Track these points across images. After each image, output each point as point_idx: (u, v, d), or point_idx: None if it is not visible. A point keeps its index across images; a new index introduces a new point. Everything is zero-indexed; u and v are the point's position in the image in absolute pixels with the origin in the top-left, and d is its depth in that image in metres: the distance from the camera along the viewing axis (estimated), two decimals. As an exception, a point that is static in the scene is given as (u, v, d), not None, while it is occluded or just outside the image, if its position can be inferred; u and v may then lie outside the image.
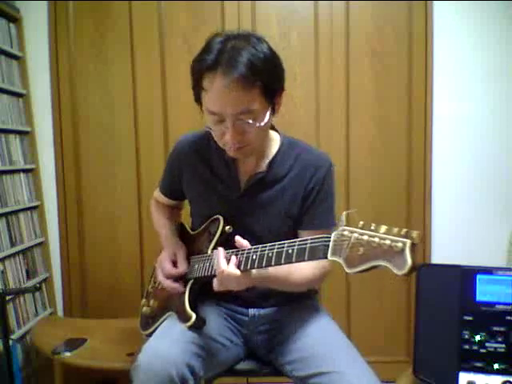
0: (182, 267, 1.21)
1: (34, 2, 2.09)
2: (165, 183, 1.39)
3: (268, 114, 1.08)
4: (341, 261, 0.79)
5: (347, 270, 0.77)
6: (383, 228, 0.75)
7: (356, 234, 0.77)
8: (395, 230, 0.73)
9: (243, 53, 1.01)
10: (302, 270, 1.13)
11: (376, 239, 0.74)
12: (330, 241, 0.82)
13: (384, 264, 0.73)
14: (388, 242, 0.72)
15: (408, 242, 0.71)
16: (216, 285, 1.05)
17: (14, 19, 2.05)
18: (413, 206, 2.13)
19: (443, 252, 2.12)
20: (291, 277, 1.12)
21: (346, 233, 0.79)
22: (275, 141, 1.23)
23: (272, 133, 1.24)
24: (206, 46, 1.05)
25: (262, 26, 2.06)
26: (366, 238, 0.75)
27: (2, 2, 1.96)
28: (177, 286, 1.20)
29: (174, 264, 1.23)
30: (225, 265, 1.02)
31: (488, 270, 1.27)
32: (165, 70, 2.10)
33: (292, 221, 1.20)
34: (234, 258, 1.03)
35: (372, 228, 0.76)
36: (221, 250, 1.06)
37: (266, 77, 1.03)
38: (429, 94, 2.08)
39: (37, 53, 2.12)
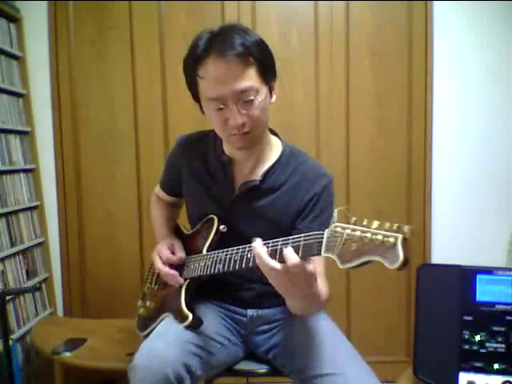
0: (180, 254, 1.22)
1: (34, 1, 2.09)
2: (165, 179, 1.40)
3: (266, 93, 1.09)
4: (334, 257, 0.79)
5: (340, 266, 0.78)
6: (375, 223, 0.75)
7: (348, 230, 0.78)
8: (387, 225, 0.74)
9: (235, 36, 1.03)
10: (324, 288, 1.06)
11: (368, 235, 0.74)
12: (323, 237, 0.83)
13: (377, 259, 0.73)
14: (380, 237, 0.73)
15: (400, 236, 0.71)
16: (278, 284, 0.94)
17: (14, 19, 2.05)
18: (413, 206, 2.13)
19: (443, 252, 2.12)
20: (321, 290, 1.03)
21: (338, 229, 0.80)
22: (276, 147, 1.21)
23: (273, 138, 1.23)
24: (194, 41, 1.08)
25: (261, 25, 2.06)
26: (358, 233, 0.76)
27: (2, 1, 1.96)
28: (174, 272, 1.20)
29: (172, 253, 1.24)
30: (292, 254, 0.88)
31: (488, 270, 1.27)
32: (165, 70, 2.10)
33: (283, 231, 1.15)
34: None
35: (364, 224, 0.77)
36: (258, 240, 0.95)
37: (260, 57, 1.06)
38: (429, 94, 2.08)
39: (37, 53, 2.11)
